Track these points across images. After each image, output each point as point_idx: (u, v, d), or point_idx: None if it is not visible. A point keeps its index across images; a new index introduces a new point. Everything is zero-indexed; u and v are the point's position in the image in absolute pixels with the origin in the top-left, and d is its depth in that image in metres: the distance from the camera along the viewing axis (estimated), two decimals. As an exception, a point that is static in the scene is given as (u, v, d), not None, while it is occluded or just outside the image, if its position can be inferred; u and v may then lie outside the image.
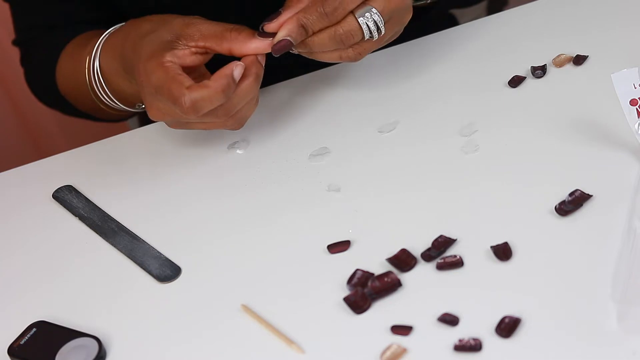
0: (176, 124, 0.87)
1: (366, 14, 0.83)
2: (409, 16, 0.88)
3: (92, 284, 0.84)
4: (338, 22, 0.83)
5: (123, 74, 0.91)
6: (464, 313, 0.74)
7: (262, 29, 0.84)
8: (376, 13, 0.83)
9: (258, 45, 0.85)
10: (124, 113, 1.00)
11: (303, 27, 0.83)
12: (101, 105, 0.97)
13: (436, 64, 0.98)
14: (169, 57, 0.84)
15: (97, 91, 0.95)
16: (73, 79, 0.99)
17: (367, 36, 0.84)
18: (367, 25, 0.83)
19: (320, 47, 0.85)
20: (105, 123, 1.19)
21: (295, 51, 0.85)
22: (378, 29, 0.84)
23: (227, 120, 0.85)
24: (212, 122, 0.85)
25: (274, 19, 0.84)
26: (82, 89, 0.97)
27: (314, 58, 0.87)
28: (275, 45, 0.84)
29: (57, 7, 1.05)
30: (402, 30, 0.89)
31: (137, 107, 0.97)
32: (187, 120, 0.85)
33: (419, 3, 0.95)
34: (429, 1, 0.96)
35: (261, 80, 0.86)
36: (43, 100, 1.13)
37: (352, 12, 0.83)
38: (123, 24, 0.93)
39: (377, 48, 0.87)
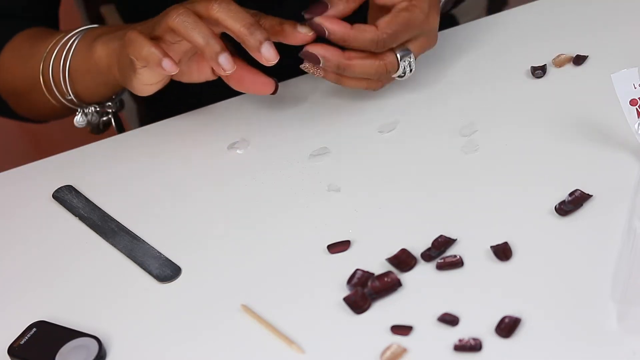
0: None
1: (405, 56, 0.88)
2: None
3: (92, 284, 0.84)
4: (381, 55, 0.87)
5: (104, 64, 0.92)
6: (464, 313, 0.74)
7: (305, 17, 0.86)
8: (412, 55, 0.88)
9: (304, 38, 0.86)
10: (60, 105, 1.00)
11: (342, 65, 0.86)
12: (45, 92, 0.98)
13: (436, 64, 0.98)
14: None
15: (53, 76, 0.96)
16: (22, 66, 1.00)
17: (399, 74, 0.89)
18: (404, 65, 0.88)
19: (359, 72, 0.87)
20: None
21: (316, 72, 0.88)
22: (410, 70, 0.89)
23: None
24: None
25: (319, 11, 0.85)
26: (31, 77, 0.98)
27: (338, 82, 0.89)
28: (304, 52, 0.86)
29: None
30: None
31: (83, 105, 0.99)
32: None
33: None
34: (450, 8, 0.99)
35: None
36: None
37: (392, 48, 0.87)
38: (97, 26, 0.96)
39: None
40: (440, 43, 0.96)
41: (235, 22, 0.83)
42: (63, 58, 0.96)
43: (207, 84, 0.94)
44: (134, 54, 0.85)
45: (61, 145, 1.08)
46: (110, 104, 1.01)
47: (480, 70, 0.97)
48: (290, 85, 0.99)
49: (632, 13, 1.00)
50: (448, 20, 1.15)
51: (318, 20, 0.85)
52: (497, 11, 1.08)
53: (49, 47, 0.97)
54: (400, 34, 0.86)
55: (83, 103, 1.00)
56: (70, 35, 0.97)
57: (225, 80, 0.91)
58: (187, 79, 0.92)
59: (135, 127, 1.22)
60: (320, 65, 0.87)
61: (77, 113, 1.00)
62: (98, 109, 1.01)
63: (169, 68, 0.84)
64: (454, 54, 0.99)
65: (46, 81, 0.98)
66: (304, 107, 0.97)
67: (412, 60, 0.88)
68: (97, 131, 1.02)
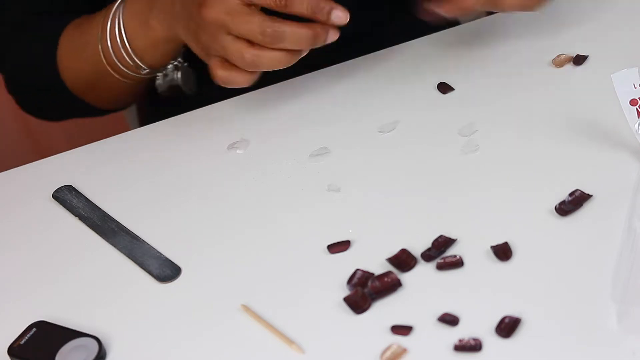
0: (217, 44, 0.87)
1: None
2: None
3: (92, 284, 0.84)
4: None
5: (150, 31, 0.93)
6: (464, 313, 0.74)
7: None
8: None
9: None
10: (137, 81, 1.00)
11: None
12: (116, 75, 0.98)
13: (436, 64, 0.98)
14: None
15: (118, 59, 0.96)
16: (82, 58, 1.00)
17: None
18: None
19: None
20: (105, 124, 1.18)
21: None
22: None
23: (252, 49, 0.85)
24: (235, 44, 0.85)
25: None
26: (95, 66, 0.98)
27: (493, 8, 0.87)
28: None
29: (36, 1, 1.04)
30: None
31: (153, 70, 0.99)
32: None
33: None
34: None
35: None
36: (29, 101, 1.11)
37: None
38: None
39: None
40: (440, 43, 0.96)
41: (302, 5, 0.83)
42: (120, 43, 0.95)
43: (207, 83, 0.94)
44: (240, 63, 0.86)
45: (61, 145, 1.08)
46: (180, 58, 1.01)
47: (480, 70, 0.97)
48: (290, 85, 0.99)
49: (632, 13, 1.00)
50: (448, 20, 1.15)
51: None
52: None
53: (99, 35, 0.97)
54: None
55: (159, 70, 1.00)
56: (109, 17, 0.96)
57: None
58: None
59: (135, 127, 1.22)
60: None
61: (157, 79, 1.01)
62: (176, 63, 1.01)
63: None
64: (453, 54, 0.99)
65: (112, 64, 0.97)
66: (304, 107, 0.97)
67: None
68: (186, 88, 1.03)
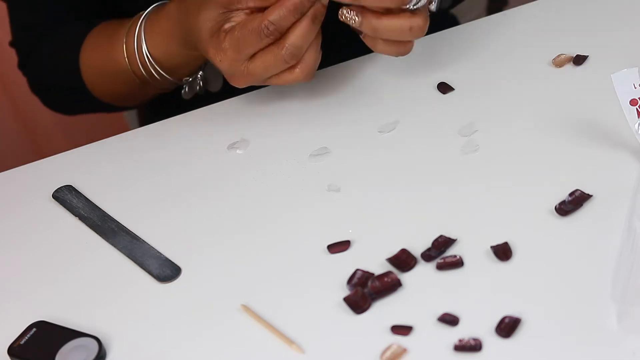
0: (261, 81, 0.89)
1: None
2: None
3: (92, 284, 0.84)
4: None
5: (178, 51, 0.95)
6: (464, 313, 0.74)
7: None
8: None
9: None
10: (166, 89, 1.03)
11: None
12: (143, 85, 1.00)
13: (436, 64, 0.98)
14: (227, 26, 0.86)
15: (145, 72, 0.98)
16: (105, 66, 1.02)
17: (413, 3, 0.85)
18: None
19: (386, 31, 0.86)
20: (105, 124, 1.19)
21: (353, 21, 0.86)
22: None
23: (294, 69, 0.87)
24: (281, 74, 0.87)
25: None
26: (119, 76, 1.00)
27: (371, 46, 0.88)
28: None
29: (57, 5, 1.05)
30: None
31: (184, 81, 1.00)
32: (263, 75, 0.87)
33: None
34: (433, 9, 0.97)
35: (321, 21, 0.86)
36: (52, 100, 1.13)
37: None
38: (157, 5, 0.97)
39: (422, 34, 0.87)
40: (440, 43, 0.96)
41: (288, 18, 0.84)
42: (150, 65, 0.98)
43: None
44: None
45: (61, 145, 1.08)
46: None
47: (480, 70, 0.97)
48: (290, 85, 0.99)
49: (632, 13, 1.00)
50: (448, 20, 1.15)
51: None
52: (497, 11, 1.08)
53: (127, 60, 0.99)
54: None
55: (187, 79, 1.01)
56: (134, 35, 0.98)
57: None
58: None
59: (135, 127, 1.22)
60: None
61: (184, 88, 1.02)
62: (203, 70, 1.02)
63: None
64: (453, 54, 0.99)
65: (141, 77, 0.99)
66: (304, 107, 0.97)
67: None
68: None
